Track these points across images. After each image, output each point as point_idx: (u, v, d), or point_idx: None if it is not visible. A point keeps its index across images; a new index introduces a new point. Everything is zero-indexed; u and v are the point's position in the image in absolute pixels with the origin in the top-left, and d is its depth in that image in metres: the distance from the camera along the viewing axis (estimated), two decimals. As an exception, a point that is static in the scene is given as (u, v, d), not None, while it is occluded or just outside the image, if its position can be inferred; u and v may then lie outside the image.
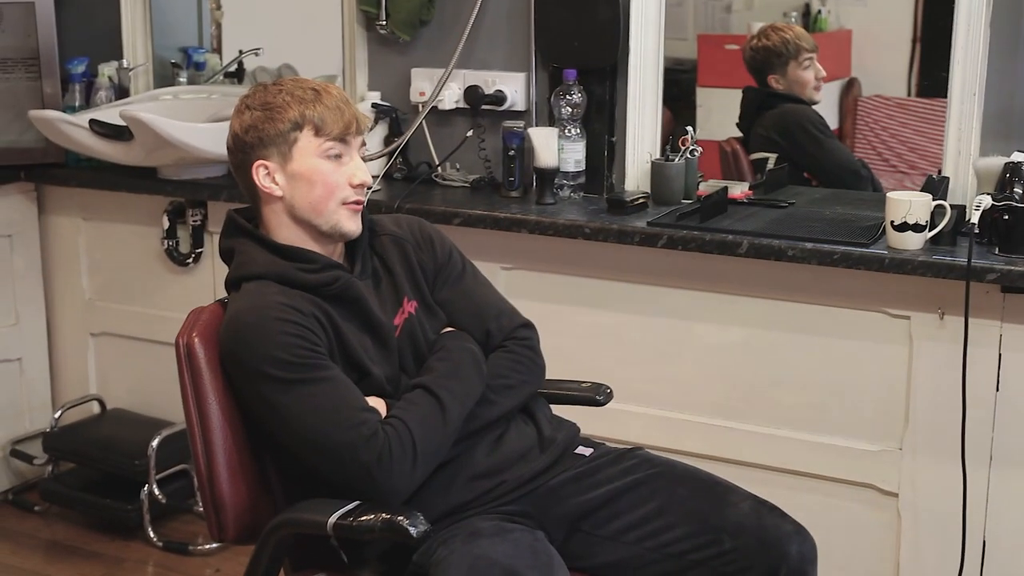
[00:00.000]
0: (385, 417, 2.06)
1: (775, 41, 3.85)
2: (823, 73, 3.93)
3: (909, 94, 4.94)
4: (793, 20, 4.69)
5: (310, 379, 2.01)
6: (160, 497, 3.50)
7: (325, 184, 2.12)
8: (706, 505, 2.17)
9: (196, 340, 2.11)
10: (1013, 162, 2.65)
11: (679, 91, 4.61)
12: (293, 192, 2.12)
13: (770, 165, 3.61)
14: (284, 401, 2.01)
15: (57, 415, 3.74)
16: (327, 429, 1.99)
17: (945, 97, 2.87)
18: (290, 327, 2.01)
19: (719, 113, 4.53)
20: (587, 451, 2.29)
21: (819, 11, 4.95)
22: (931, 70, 4.73)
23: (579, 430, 2.34)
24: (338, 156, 2.13)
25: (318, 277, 2.11)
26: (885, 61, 5.03)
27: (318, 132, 2.10)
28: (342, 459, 2.00)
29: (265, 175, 2.13)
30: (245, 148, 2.13)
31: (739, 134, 3.96)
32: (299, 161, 2.11)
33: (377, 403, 2.09)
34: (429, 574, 2.00)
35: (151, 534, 3.52)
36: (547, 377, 2.34)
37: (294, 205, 2.13)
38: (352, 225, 2.16)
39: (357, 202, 2.15)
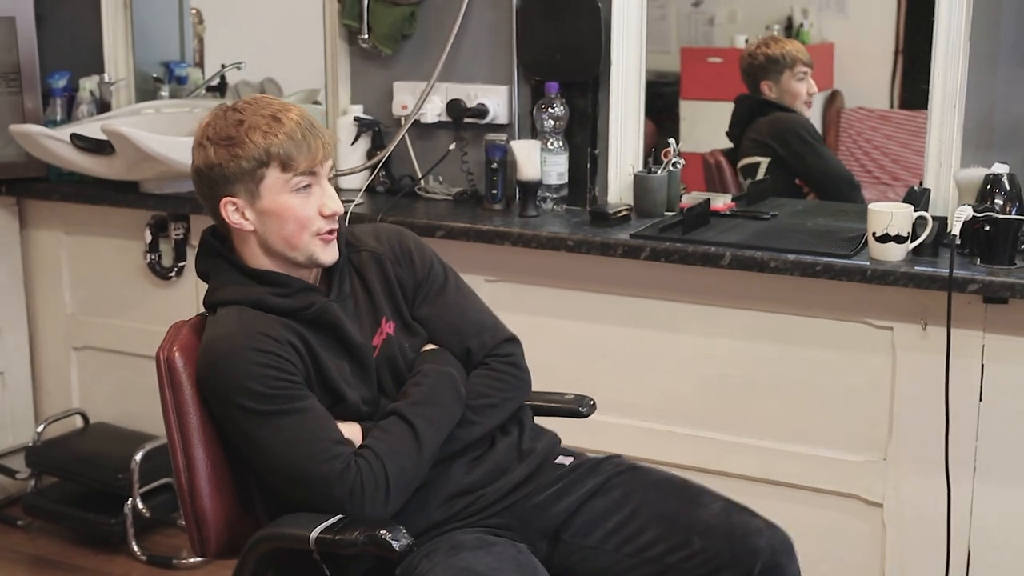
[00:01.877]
0: (359, 447, 2.04)
1: (775, 51, 3.96)
2: (815, 89, 4.01)
3: (892, 106, 4.98)
4: (776, 33, 4.74)
5: (284, 411, 1.99)
6: (144, 511, 3.49)
7: (297, 219, 2.07)
8: (677, 507, 2.17)
9: (176, 354, 2.10)
10: (993, 173, 2.66)
11: (663, 104, 4.65)
12: (265, 228, 2.08)
13: (761, 171, 3.63)
14: (258, 432, 2.00)
15: (40, 429, 3.72)
16: (300, 462, 1.98)
17: (926, 109, 2.89)
18: (264, 357, 1.99)
19: (702, 126, 4.56)
20: (567, 460, 2.28)
21: (801, 24, 4.99)
22: (913, 82, 4.77)
23: (559, 440, 2.33)
24: (307, 187, 2.08)
25: (293, 302, 2.08)
26: (867, 73, 5.08)
27: (285, 168, 2.05)
28: (315, 492, 1.99)
29: (234, 211, 2.08)
30: (210, 183, 2.08)
31: (723, 146, 3.99)
32: (268, 199, 2.06)
33: (352, 429, 2.07)
34: (412, 588, 2.00)
35: (135, 548, 3.51)
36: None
37: (267, 240, 2.09)
38: (328, 255, 2.12)
39: (331, 232, 2.11)
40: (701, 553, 2.10)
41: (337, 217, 2.12)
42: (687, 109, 4.77)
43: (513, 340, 2.29)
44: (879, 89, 4.99)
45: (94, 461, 3.60)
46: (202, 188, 2.12)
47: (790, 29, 4.93)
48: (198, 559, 3.47)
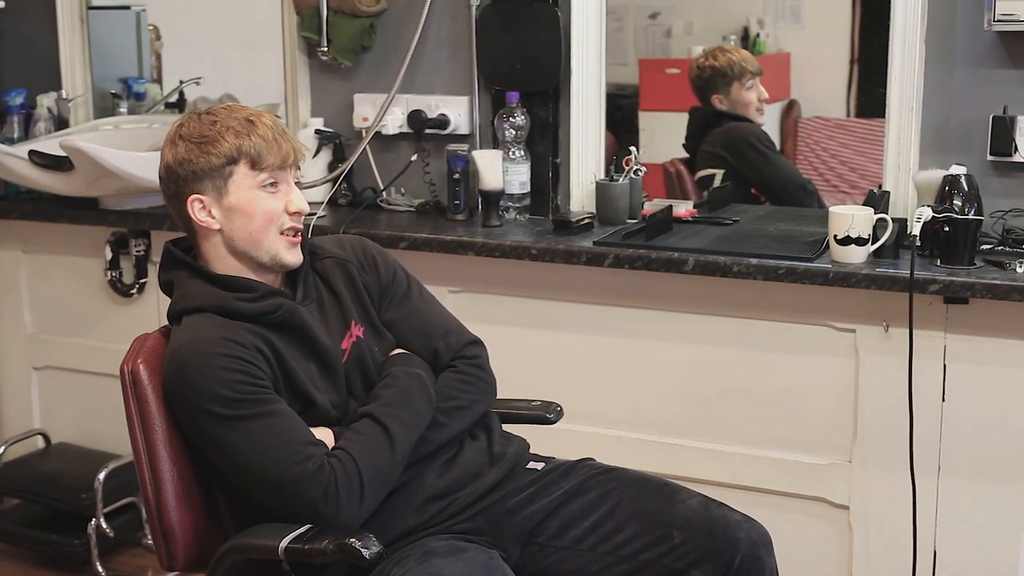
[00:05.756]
0: (331, 449, 2.04)
1: (721, 62, 3.94)
2: (766, 95, 4.01)
3: (848, 115, 5.02)
4: (732, 43, 4.76)
5: (253, 415, 1.98)
6: (108, 531, 3.45)
7: (264, 214, 2.10)
8: (655, 503, 2.18)
9: (141, 367, 2.09)
10: (951, 174, 2.68)
11: (622, 116, 4.66)
12: (231, 225, 2.10)
13: (717, 181, 3.65)
14: (228, 438, 1.99)
15: (1, 451, 3.68)
16: (272, 465, 1.97)
17: (883, 116, 2.92)
18: (231, 362, 1.99)
19: (662, 136, 4.57)
20: (538, 466, 2.28)
21: (758, 34, 5.02)
22: (869, 88, 4.80)
23: (528, 446, 2.34)
24: (274, 184, 2.11)
25: (259, 306, 2.09)
26: (824, 83, 5.11)
27: (254, 165, 2.09)
28: (288, 495, 1.98)
29: (200, 209, 2.10)
30: (178, 181, 2.10)
31: (682, 155, 4.00)
32: (235, 195, 2.09)
33: (324, 434, 2.07)
34: (384, 594, 1.99)
35: (99, 569, 3.47)
36: (497, 397, 2.33)
37: (232, 238, 2.11)
38: (292, 256, 2.14)
39: (295, 231, 2.13)
40: (681, 547, 2.11)
41: (302, 218, 2.14)
42: (646, 120, 4.79)
43: (478, 343, 2.31)
44: (835, 98, 5.02)
45: (56, 482, 3.56)
46: (169, 187, 2.13)
47: (746, 39, 4.96)
48: (164, 577, 3.44)
